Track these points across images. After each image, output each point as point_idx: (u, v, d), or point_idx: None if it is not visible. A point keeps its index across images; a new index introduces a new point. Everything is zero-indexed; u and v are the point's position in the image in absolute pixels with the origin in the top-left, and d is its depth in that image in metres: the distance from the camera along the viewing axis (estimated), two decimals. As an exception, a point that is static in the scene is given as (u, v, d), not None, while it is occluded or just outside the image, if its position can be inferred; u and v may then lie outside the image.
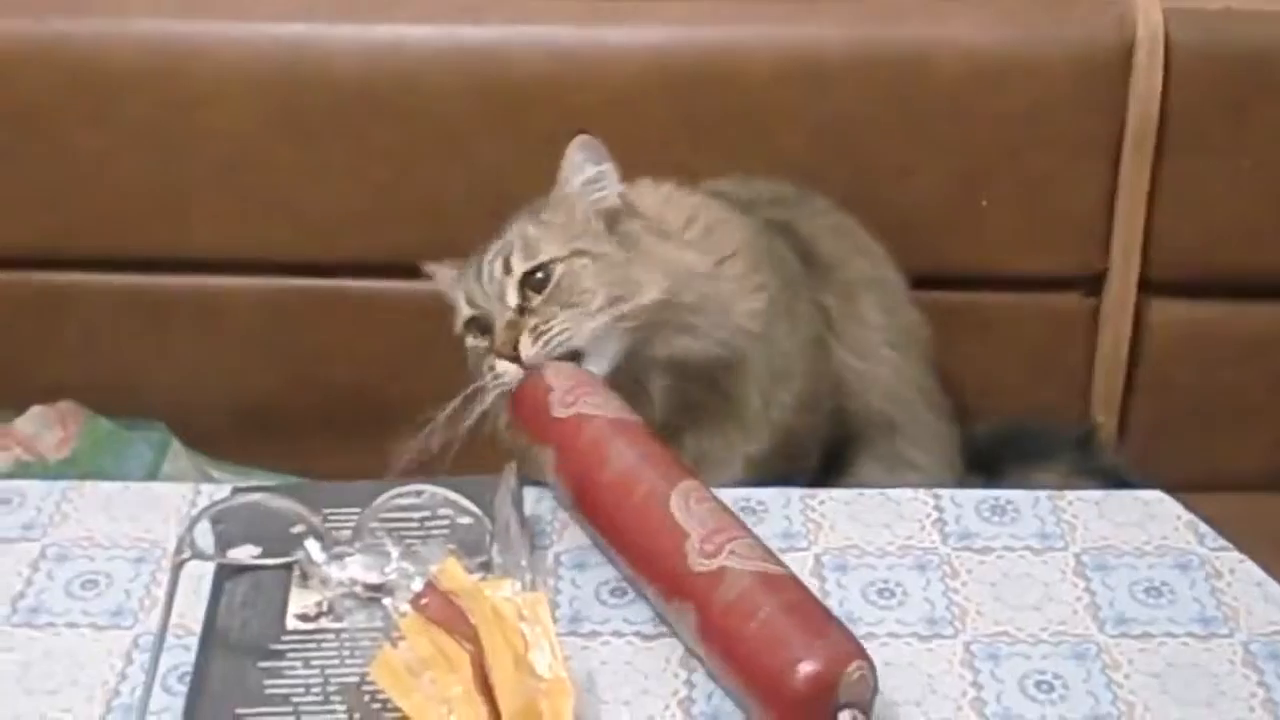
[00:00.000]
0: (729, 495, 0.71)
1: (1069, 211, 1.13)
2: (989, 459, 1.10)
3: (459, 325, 0.88)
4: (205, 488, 0.77)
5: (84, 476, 0.84)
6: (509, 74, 1.10)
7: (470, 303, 0.86)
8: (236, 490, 0.73)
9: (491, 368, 0.80)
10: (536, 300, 0.82)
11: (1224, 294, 1.16)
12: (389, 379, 1.19)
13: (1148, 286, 1.15)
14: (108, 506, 0.75)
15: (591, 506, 0.70)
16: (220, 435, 1.19)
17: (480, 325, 0.85)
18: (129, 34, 1.11)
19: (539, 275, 0.83)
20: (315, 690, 0.62)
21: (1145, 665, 0.66)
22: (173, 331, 1.18)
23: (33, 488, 0.76)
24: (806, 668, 0.58)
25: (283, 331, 1.18)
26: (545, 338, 0.79)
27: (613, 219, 0.87)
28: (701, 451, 0.89)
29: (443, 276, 0.94)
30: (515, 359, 0.79)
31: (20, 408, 1.15)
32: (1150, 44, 1.08)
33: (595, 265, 0.83)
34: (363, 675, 0.62)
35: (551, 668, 0.59)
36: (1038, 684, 0.65)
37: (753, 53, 1.10)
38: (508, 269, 0.84)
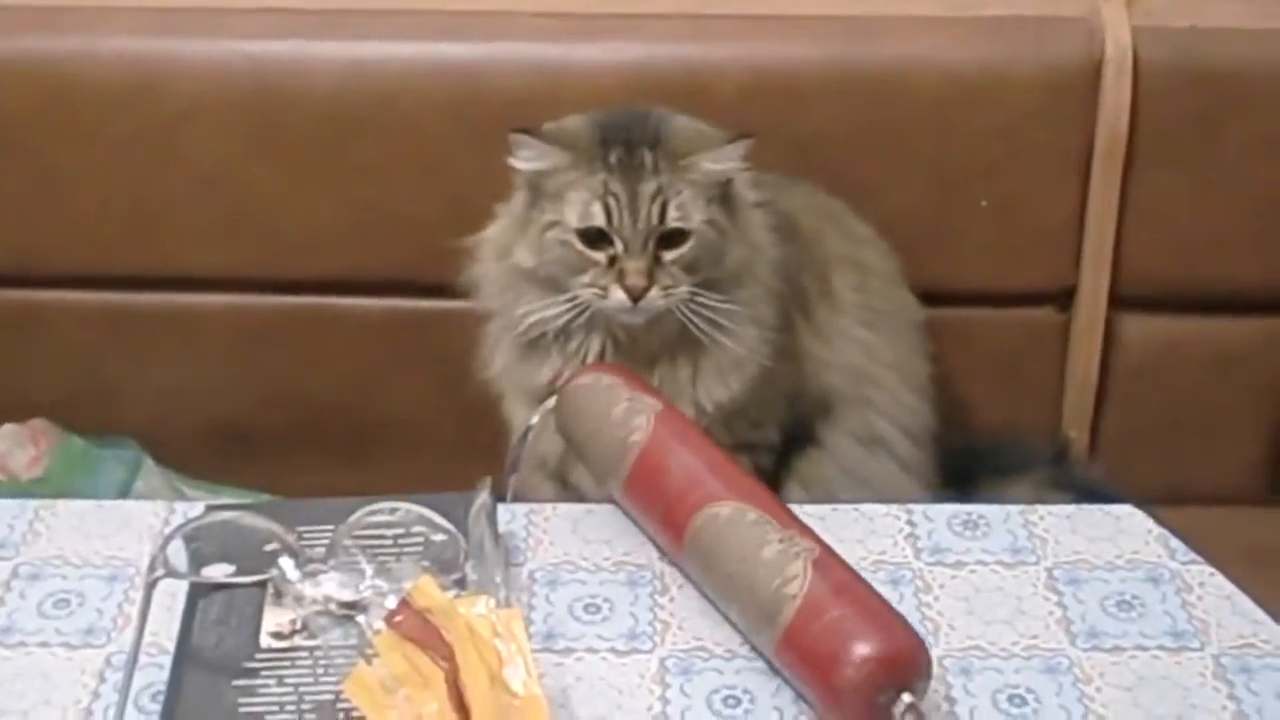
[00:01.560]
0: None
1: (1040, 227, 1.14)
2: (962, 472, 1.11)
3: (571, 221, 0.89)
4: (178, 506, 0.76)
5: (56, 495, 0.83)
6: (487, 91, 1.10)
7: (608, 218, 0.89)
8: (210, 508, 0.72)
9: (604, 288, 0.88)
10: (668, 256, 0.89)
11: (1193, 308, 1.17)
12: (364, 397, 1.19)
13: (1118, 301, 1.16)
14: (80, 525, 0.75)
15: (707, 441, 0.73)
16: (194, 453, 1.19)
17: (599, 239, 0.89)
18: (107, 52, 1.11)
19: (680, 236, 0.89)
20: (290, 708, 0.62)
21: (1117, 679, 0.66)
22: (147, 349, 1.18)
23: (4, 507, 0.76)
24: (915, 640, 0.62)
25: (257, 349, 1.18)
26: (668, 297, 0.89)
27: (728, 184, 0.93)
28: (672, 384, 0.92)
29: (542, 150, 0.91)
30: (636, 299, 0.88)
31: (-8, 426, 1.15)
32: (1119, 62, 1.09)
33: (714, 238, 0.90)
34: (337, 693, 0.62)
35: (526, 684, 0.59)
36: (1010, 698, 0.65)
37: (728, 70, 1.10)
38: (662, 219, 0.88)
